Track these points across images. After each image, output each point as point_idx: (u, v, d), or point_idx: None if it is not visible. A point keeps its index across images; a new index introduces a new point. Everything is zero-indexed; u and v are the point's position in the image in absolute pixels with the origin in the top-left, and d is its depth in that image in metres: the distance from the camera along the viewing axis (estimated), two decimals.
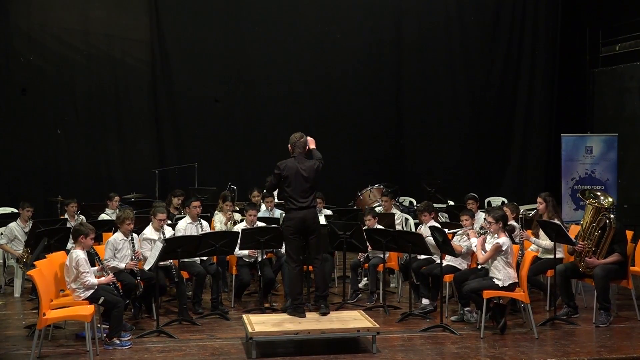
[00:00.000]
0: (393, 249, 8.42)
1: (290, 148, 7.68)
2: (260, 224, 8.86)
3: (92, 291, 6.95)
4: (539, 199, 8.38)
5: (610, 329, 7.59)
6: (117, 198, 10.82)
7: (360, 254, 8.92)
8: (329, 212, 10.34)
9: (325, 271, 8.09)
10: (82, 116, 14.05)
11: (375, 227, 8.85)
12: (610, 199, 7.95)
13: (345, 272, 9.26)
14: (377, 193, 11.76)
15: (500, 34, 15.77)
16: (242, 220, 9.35)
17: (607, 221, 7.70)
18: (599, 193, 8.08)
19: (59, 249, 8.11)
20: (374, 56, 15.36)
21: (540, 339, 7.23)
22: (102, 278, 7.17)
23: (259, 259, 8.48)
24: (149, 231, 8.20)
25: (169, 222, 9.32)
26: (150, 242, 8.06)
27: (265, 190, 9.87)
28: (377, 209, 9.91)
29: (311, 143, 7.74)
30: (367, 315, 7.28)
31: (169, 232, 8.32)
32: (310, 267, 8.08)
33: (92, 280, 6.98)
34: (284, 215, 9.34)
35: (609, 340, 7.23)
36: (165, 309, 8.53)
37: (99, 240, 8.54)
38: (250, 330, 6.76)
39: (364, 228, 8.75)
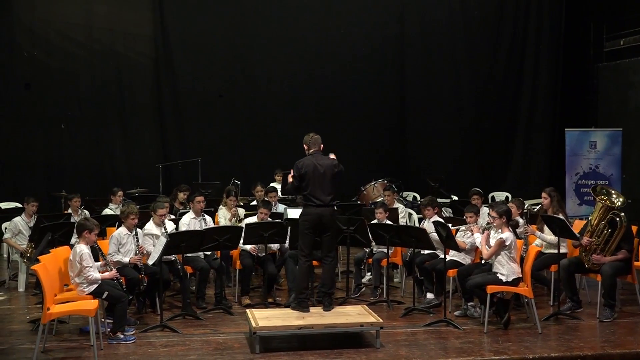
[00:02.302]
0: (397, 243, 8.42)
1: (306, 147, 7.62)
2: None
3: (95, 286, 6.97)
4: (543, 194, 8.36)
5: (614, 324, 7.59)
6: (120, 193, 10.83)
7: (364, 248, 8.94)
8: None
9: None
10: (86, 111, 14.03)
11: (385, 221, 8.85)
12: (622, 199, 7.84)
13: (348, 266, 9.26)
14: (380, 188, 11.75)
15: (503, 29, 15.68)
16: (246, 217, 9.35)
17: (618, 219, 7.65)
18: (612, 191, 7.97)
19: (63, 243, 8.13)
20: (377, 51, 15.30)
21: (544, 334, 7.23)
22: (106, 273, 7.19)
23: (261, 254, 8.47)
24: (150, 226, 8.22)
25: (173, 216, 9.33)
26: (151, 237, 8.08)
27: (286, 194, 9.79)
28: None
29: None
30: (370, 310, 7.27)
31: (170, 226, 8.33)
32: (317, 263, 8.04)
33: (95, 275, 6.99)
34: (286, 209, 9.37)
35: (613, 336, 7.23)
36: (169, 303, 8.54)
37: (102, 235, 8.55)
38: (253, 325, 6.76)
39: (373, 221, 8.75)
